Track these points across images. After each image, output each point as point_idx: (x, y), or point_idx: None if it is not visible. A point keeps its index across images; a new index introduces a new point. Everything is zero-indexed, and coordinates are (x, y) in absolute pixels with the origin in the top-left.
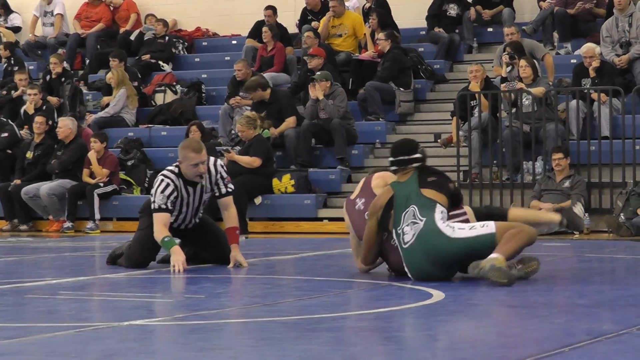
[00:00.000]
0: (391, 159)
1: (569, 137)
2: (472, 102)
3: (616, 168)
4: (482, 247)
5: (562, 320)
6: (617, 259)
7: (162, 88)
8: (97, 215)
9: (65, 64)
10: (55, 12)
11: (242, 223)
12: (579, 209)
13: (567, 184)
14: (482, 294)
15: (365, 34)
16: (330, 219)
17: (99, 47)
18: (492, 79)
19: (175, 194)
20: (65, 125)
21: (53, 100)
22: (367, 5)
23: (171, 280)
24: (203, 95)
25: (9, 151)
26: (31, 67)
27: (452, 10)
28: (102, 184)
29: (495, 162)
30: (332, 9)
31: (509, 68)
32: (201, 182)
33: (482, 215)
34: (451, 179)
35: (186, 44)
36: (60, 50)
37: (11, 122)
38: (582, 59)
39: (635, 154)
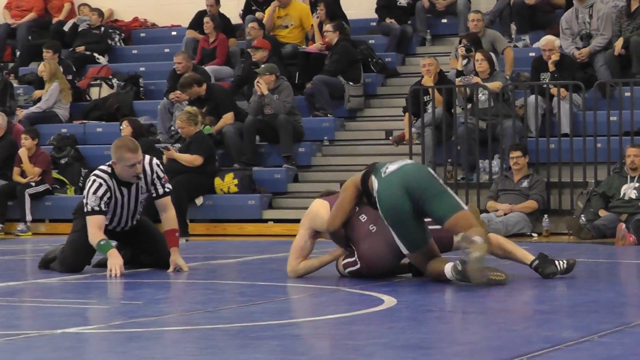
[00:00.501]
0: None
1: (527, 134)
2: (425, 97)
3: (577, 167)
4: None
5: (520, 327)
6: (577, 262)
7: (98, 82)
8: (29, 217)
9: None
10: None
11: (182, 225)
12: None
13: (525, 183)
14: (436, 299)
15: (312, 25)
16: (276, 221)
17: (30, 38)
18: (446, 73)
19: (108, 194)
20: None
21: None
22: None
23: (107, 286)
24: (141, 89)
25: None
26: None
27: (404, 0)
28: (33, 184)
29: (449, 160)
30: None
31: (465, 61)
32: (138, 182)
33: None
34: None
35: (123, 35)
36: None
37: None
38: (541, 52)
39: (597, 153)
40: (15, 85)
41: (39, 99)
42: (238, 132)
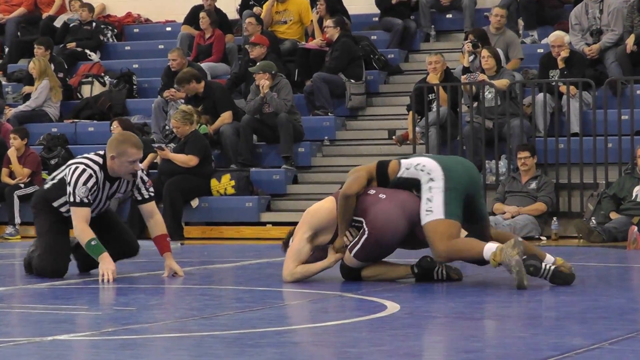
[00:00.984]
0: None
1: (535, 134)
2: (430, 95)
3: (587, 168)
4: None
5: (528, 334)
6: (587, 267)
7: (89, 79)
8: (18, 219)
9: None
10: None
11: (177, 228)
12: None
13: (533, 185)
14: (440, 305)
15: (312, 21)
16: (274, 224)
17: (19, 34)
18: (452, 70)
19: (95, 187)
20: None
21: None
22: None
23: (99, 291)
24: (134, 87)
25: None
26: None
27: None
28: (22, 185)
29: None
30: None
31: (472, 57)
32: (133, 180)
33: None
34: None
35: (115, 30)
36: None
37: None
38: (550, 48)
39: (608, 153)
40: (3, 83)
41: (28, 97)
42: (236, 131)
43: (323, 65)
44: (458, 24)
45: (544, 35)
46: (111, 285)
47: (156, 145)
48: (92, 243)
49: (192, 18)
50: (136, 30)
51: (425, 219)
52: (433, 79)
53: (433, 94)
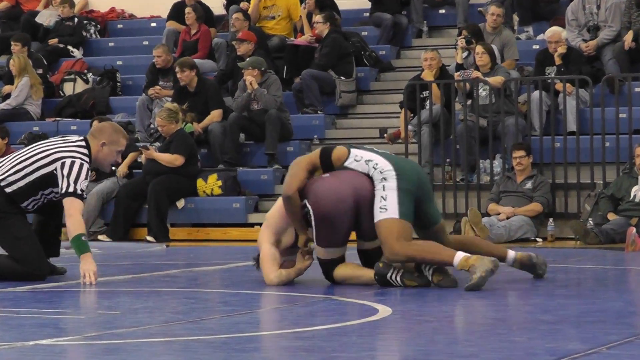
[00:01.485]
0: None
1: (530, 132)
2: (423, 92)
3: (584, 167)
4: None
5: (523, 339)
6: (584, 269)
7: (72, 76)
8: None
9: None
10: None
11: (162, 229)
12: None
13: (529, 185)
14: (433, 309)
15: (301, 16)
16: (262, 225)
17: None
18: (447, 66)
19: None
20: None
21: None
22: None
23: (82, 295)
24: (118, 84)
25: None
26: None
27: None
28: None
29: (448, 160)
30: None
31: (465, 54)
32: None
33: None
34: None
35: (99, 26)
36: None
37: None
38: (547, 44)
39: (605, 152)
40: None
41: (9, 95)
42: (225, 130)
43: (312, 62)
44: (451, 20)
45: (540, 31)
46: (93, 288)
47: (141, 144)
48: (82, 239)
49: (176, 13)
50: (120, 26)
51: (379, 216)
52: (428, 76)
53: (426, 92)
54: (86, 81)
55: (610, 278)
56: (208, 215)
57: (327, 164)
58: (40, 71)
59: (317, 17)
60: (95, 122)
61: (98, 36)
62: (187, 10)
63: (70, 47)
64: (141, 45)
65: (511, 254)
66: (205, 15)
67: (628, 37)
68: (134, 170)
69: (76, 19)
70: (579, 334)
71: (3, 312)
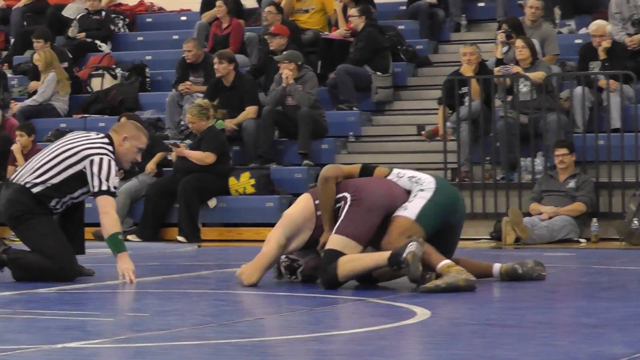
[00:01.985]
0: None
1: (573, 129)
2: (461, 88)
3: (628, 166)
4: None
5: (565, 342)
6: (628, 271)
7: (99, 72)
8: None
9: None
10: None
11: (193, 229)
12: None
13: (571, 184)
14: (473, 311)
15: (335, 10)
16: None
17: (25, 23)
18: (486, 61)
19: None
20: None
21: None
22: None
23: (110, 296)
24: (147, 80)
25: None
26: None
27: None
28: None
29: (488, 158)
30: None
31: (506, 48)
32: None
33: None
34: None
35: (127, 20)
36: None
37: None
38: (591, 38)
39: None
40: (9, 75)
41: (35, 91)
42: (259, 128)
43: (347, 57)
44: (491, 13)
45: (581, 24)
46: (123, 290)
47: (170, 141)
48: (119, 237)
49: (208, 6)
50: (149, 19)
51: (397, 212)
52: (467, 71)
53: (465, 87)
54: (114, 76)
55: None
56: (240, 215)
57: (366, 175)
58: (65, 65)
59: (352, 10)
60: (123, 119)
61: (126, 30)
62: (218, 3)
63: (97, 42)
64: (171, 40)
65: (496, 267)
66: (236, 9)
67: None
68: (163, 169)
69: (104, 13)
70: (623, 338)
71: (30, 314)
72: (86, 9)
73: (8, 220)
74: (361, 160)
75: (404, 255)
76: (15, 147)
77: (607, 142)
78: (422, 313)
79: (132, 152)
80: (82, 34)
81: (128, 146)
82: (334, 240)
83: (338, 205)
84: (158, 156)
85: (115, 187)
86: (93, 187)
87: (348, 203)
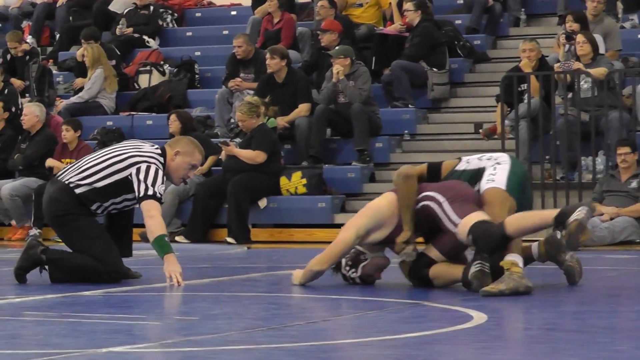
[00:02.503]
0: None
1: (636, 127)
2: (520, 85)
3: None
4: None
5: (627, 348)
6: None
7: (147, 68)
8: None
9: (30, 40)
10: None
11: (243, 230)
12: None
13: (634, 184)
14: (531, 315)
15: (390, 4)
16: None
17: (71, 18)
18: (546, 57)
19: None
20: (31, 113)
21: (16, 82)
22: None
23: (157, 299)
24: (196, 76)
25: None
26: None
27: None
28: None
29: (547, 157)
30: None
31: (567, 47)
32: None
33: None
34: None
35: (175, 15)
36: (25, 23)
37: None
38: None
39: None
40: (54, 72)
41: (81, 88)
42: (311, 125)
43: (402, 53)
44: (551, 7)
45: None
46: (171, 293)
47: (220, 140)
48: (165, 239)
49: (259, 1)
50: (198, 14)
51: (485, 186)
52: (526, 67)
53: (524, 84)
54: (162, 73)
55: None
56: (292, 216)
57: (434, 172)
58: (113, 63)
59: (408, 5)
60: (173, 117)
61: (175, 25)
62: None
63: (145, 37)
64: (220, 35)
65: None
66: (288, 3)
67: None
68: (212, 168)
69: (152, 7)
70: None
71: (75, 317)
72: (134, 3)
73: (51, 220)
74: (417, 160)
75: (570, 220)
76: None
77: None
78: (478, 317)
79: (183, 168)
80: (130, 29)
81: (180, 161)
82: (432, 251)
83: (422, 204)
84: (210, 160)
85: (160, 194)
86: (138, 192)
87: (443, 202)
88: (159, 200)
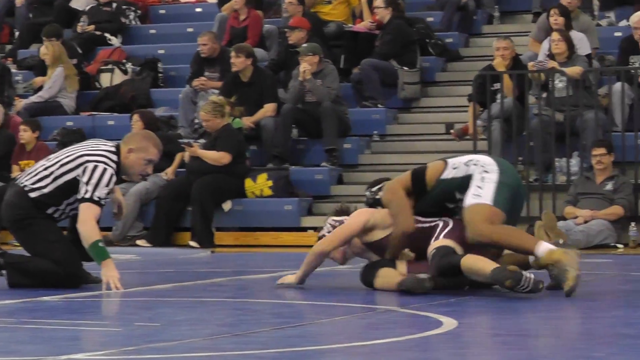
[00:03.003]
0: None
1: (612, 128)
2: (493, 84)
3: None
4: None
5: (604, 354)
6: None
7: (109, 67)
8: None
9: None
10: None
11: (207, 234)
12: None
13: (609, 186)
14: (504, 321)
15: (360, 0)
16: (316, 229)
17: (31, 15)
18: (520, 55)
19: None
20: None
21: None
22: None
23: (119, 305)
24: (160, 75)
25: None
26: None
27: None
28: None
29: (521, 158)
30: None
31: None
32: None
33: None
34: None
35: (139, 12)
36: None
37: None
38: (632, 30)
39: None
40: (13, 70)
41: (41, 87)
42: (278, 126)
43: (373, 51)
44: (525, 4)
45: (622, 16)
46: (132, 298)
47: (184, 141)
48: (100, 245)
49: None
50: (162, 11)
51: (470, 201)
52: (500, 66)
53: (497, 83)
54: (125, 72)
55: None
56: (257, 219)
57: (419, 182)
58: (74, 61)
59: (378, 2)
60: (136, 116)
61: (138, 22)
62: None
63: (107, 35)
64: (185, 33)
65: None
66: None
67: None
68: (177, 169)
69: (114, 4)
70: None
71: (34, 324)
72: (96, 0)
73: (9, 224)
74: (387, 161)
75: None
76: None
77: None
78: (448, 323)
79: (139, 164)
80: (92, 27)
81: (134, 158)
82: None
83: (430, 225)
84: (178, 159)
85: (100, 198)
86: (79, 193)
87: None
88: (97, 203)
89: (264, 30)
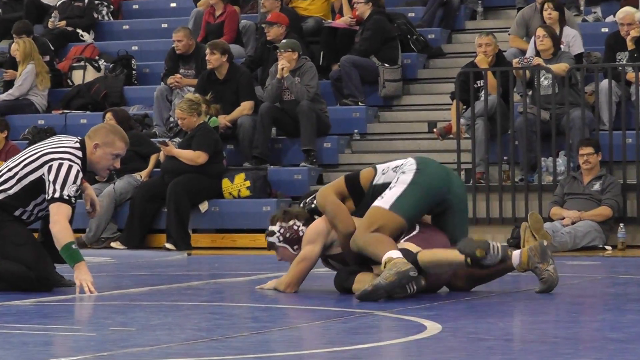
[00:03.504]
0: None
1: (599, 127)
2: (477, 82)
3: None
4: None
5: (590, 359)
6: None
7: (81, 63)
8: None
9: None
10: None
11: (183, 236)
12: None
13: (597, 186)
14: (489, 325)
15: None
16: None
17: (1, 11)
18: (503, 52)
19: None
20: None
21: None
22: None
23: (93, 309)
24: (133, 72)
25: None
26: None
27: None
28: None
29: (505, 158)
30: None
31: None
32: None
33: None
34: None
35: (111, 7)
36: None
37: None
38: (618, 27)
39: None
40: None
41: (11, 84)
42: (256, 125)
43: (352, 47)
44: (509, 0)
45: (609, 12)
46: (107, 302)
47: (159, 139)
48: (73, 247)
49: None
50: (136, 6)
51: (374, 202)
52: (483, 62)
53: (481, 81)
54: (97, 69)
55: None
56: (234, 220)
57: (355, 189)
58: (46, 58)
59: None
60: (109, 115)
61: (111, 18)
62: None
63: (79, 31)
64: (159, 29)
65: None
66: None
67: None
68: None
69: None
70: None
71: (5, 328)
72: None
73: None
74: (367, 161)
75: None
76: None
77: (635, 141)
78: (432, 327)
79: (105, 159)
80: (63, 23)
81: (100, 154)
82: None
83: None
84: (153, 161)
85: (69, 196)
86: (47, 194)
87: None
88: (67, 202)
89: (241, 26)
